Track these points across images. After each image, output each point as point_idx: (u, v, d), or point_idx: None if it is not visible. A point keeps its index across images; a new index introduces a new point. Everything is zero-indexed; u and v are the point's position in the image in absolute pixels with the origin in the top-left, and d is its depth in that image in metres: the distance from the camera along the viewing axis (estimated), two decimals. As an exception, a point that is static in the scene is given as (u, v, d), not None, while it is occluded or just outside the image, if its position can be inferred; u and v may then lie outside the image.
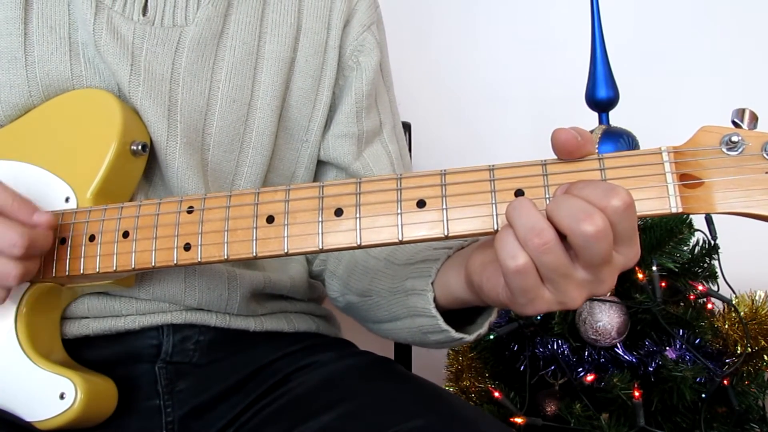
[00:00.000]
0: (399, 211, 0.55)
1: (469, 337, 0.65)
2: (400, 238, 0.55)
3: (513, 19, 1.64)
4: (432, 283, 0.64)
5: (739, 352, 1.08)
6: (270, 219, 0.58)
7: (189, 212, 0.61)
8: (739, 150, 0.50)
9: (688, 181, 0.51)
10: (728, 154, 0.50)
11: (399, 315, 0.69)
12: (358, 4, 0.86)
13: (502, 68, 1.64)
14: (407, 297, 0.67)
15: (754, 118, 0.51)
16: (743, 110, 0.52)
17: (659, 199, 0.51)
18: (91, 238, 0.64)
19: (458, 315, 0.66)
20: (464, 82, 1.65)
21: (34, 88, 0.73)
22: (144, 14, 0.75)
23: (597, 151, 0.53)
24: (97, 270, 0.63)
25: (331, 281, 0.84)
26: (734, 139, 0.50)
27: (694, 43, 1.55)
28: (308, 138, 0.84)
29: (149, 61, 0.74)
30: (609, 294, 1.07)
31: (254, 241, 0.58)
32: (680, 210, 0.50)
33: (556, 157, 0.53)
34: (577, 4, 1.29)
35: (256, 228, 0.59)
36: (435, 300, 0.64)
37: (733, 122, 0.52)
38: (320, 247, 0.57)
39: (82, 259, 0.64)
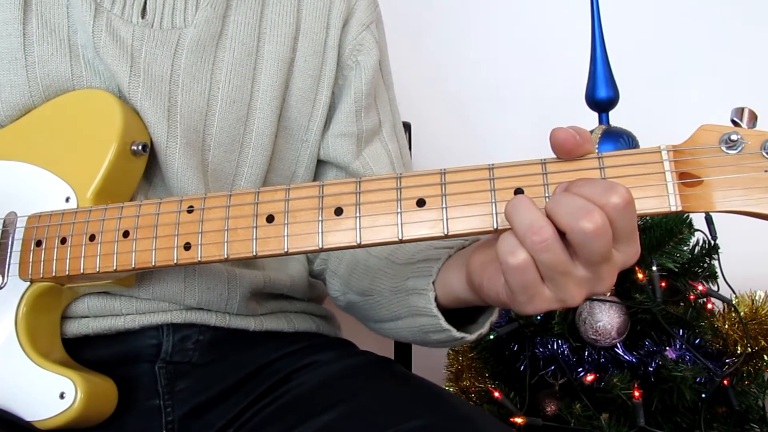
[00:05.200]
0: (399, 210, 0.55)
1: (471, 337, 0.65)
2: (400, 237, 0.55)
3: (513, 18, 1.64)
4: (433, 283, 0.64)
5: (739, 352, 1.08)
6: (270, 218, 0.58)
7: (189, 212, 0.61)
8: (739, 149, 0.50)
9: (687, 179, 0.51)
10: (727, 153, 0.50)
11: (400, 314, 0.69)
12: (357, 3, 0.86)
13: (502, 68, 1.64)
14: (408, 296, 0.67)
15: (753, 117, 0.51)
16: (742, 109, 0.52)
17: (658, 197, 0.51)
18: (92, 237, 0.64)
19: (460, 314, 0.66)
20: (464, 82, 1.65)
21: (35, 88, 0.73)
22: (143, 16, 0.76)
23: (596, 150, 0.53)
24: (97, 269, 0.63)
25: (332, 280, 0.84)
26: (733, 137, 0.50)
27: (694, 43, 1.55)
28: (308, 138, 0.85)
29: (148, 63, 0.74)
30: (609, 294, 1.07)
31: (254, 241, 0.58)
32: (680, 208, 0.50)
33: (555, 156, 0.53)
34: (577, 4, 1.29)
35: (256, 227, 0.59)
36: (436, 299, 0.64)
37: (733, 121, 0.52)
38: (320, 246, 0.57)
39: (82, 259, 0.64)
